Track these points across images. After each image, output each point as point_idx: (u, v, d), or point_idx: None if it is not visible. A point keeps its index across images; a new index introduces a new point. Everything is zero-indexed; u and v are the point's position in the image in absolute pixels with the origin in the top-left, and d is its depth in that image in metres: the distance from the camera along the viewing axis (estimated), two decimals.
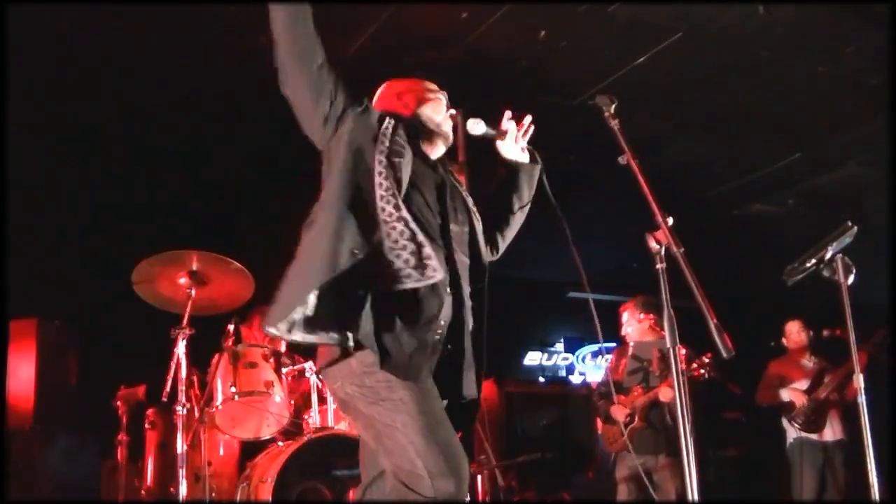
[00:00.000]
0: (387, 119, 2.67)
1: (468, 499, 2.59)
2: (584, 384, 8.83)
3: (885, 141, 6.39)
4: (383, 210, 2.45)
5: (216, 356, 4.73)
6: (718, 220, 8.31)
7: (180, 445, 4.27)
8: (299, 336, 2.39)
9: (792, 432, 6.43)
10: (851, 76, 5.91)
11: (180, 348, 4.31)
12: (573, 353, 10.34)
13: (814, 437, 6.33)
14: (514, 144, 2.75)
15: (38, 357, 5.63)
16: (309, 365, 4.72)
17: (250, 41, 5.32)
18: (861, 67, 5.78)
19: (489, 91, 6.11)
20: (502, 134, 2.77)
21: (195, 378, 4.62)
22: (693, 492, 2.26)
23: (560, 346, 10.33)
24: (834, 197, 7.84)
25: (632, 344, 5.59)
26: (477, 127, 2.78)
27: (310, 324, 2.38)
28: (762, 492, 8.07)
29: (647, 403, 5.24)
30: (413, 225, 2.44)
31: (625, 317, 5.64)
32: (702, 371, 5.01)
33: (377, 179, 2.49)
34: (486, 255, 2.77)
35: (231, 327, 4.71)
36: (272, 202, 6.35)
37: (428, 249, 2.43)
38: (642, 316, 5.50)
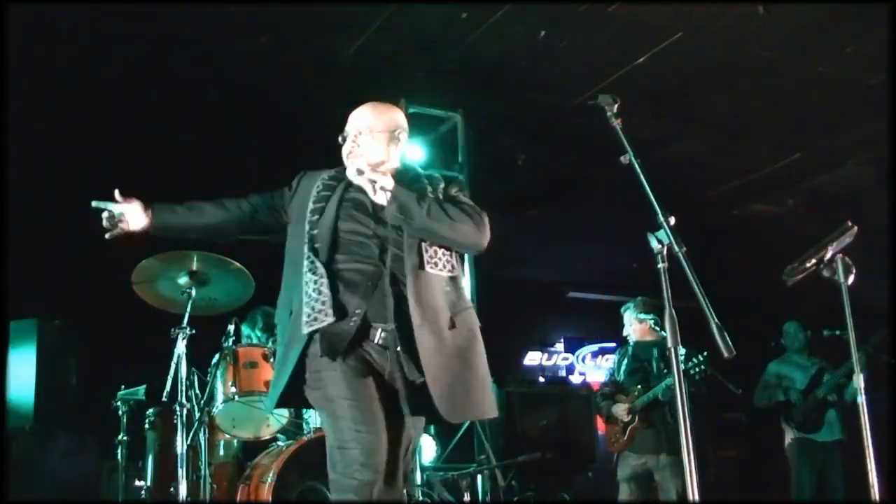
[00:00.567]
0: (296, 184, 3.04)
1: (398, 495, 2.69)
2: (584, 384, 8.83)
3: (885, 141, 6.39)
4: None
5: (216, 356, 4.72)
6: (718, 220, 8.31)
7: (180, 445, 4.27)
8: None
9: (790, 432, 6.43)
10: (851, 76, 5.91)
11: (180, 348, 4.31)
12: (573, 353, 10.35)
13: (812, 437, 6.33)
14: (370, 190, 2.84)
15: (38, 357, 5.63)
16: None
17: (252, 41, 5.35)
18: (861, 67, 5.79)
19: (489, 91, 6.14)
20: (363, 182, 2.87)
21: (195, 378, 4.61)
22: (693, 491, 2.27)
23: (560, 346, 10.34)
24: (834, 197, 7.84)
25: (631, 344, 5.59)
26: (352, 174, 2.90)
27: None
28: (762, 492, 8.07)
29: (647, 403, 5.25)
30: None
31: (626, 317, 5.64)
32: (697, 370, 5.02)
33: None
34: (414, 259, 2.82)
35: (231, 327, 4.71)
36: None
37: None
38: (643, 316, 5.51)
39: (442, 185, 2.98)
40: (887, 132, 6.21)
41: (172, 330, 4.33)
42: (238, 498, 4.56)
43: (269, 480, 4.31)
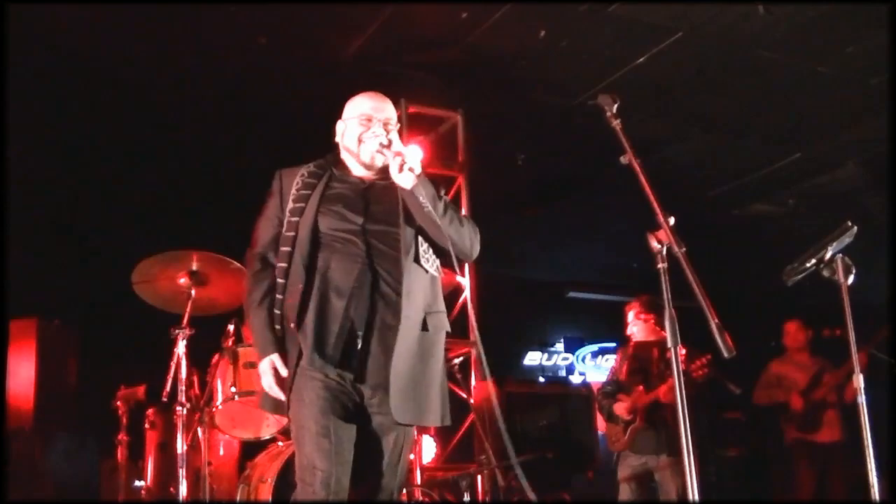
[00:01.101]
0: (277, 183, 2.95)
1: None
2: (584, 384, 8.83)
3: (885, 141, 6.39)
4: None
5: (216, 356, 4.72)
6: (718, 220, 8.31)
7: (180, 445, 4.27)
8: None
9: (790, 432, 6.43)
10: (851, 76, 5.91)
11: (180, 348, 4.31)
12: (573, 353, 10.35)
13: (812, 437, 6.33)
14: (394, 170, 2.74)
15: (38, 357, 5.63)
16: None
17: (251, 41, 5.34)
18: (861, 67, 5.79)
19: (489, 91, 6.14)
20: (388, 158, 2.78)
21: (195, 378, 4.61)
22: (693, 491, 2.27)
23: (560, 346, 10.35)
24: (834, 197, 7.84)
25: (633, 343, 5.59)
26: (373, 146, 2.82)
27: None
28: (762, 492, 8.07)
29: (648, 404, 5.25)
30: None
31: (630, 316, 5.64)
32: (701, 372, 5.01)
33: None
34: (408, 251, 2.79)
35: (231, 327, 4.71)
36: None
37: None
38: (645, 316, 5.50)
39: (442, 190, 2.97)
40: (887, 132, 6.21)
41: (172, 330, 4.33)
42: (238, 498, 4.56)
43: (269, 480, 4.31)
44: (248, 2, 4.95)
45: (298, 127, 6.13)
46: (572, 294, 10.39)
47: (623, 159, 2.52)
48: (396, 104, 3.29)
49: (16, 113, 4.89)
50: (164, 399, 4.39)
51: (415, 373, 2.73)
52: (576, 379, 9.75)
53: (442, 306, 2.90)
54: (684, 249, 2.36)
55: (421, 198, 2.69)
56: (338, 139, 2.99)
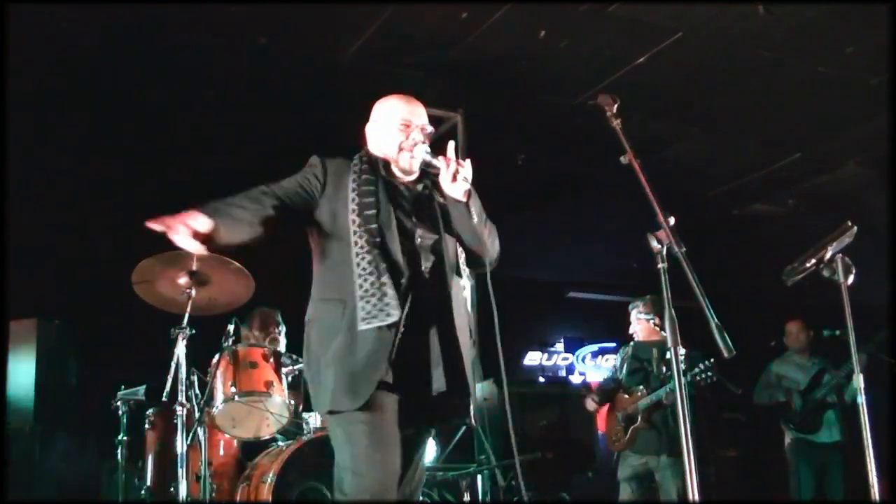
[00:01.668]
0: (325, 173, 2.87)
1: None
2: (584, 384, 8.83)
3: (885, 141, 6.39)
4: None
5: (216, 356, 4.72)
6: (718, 220, 8.31)
7: (180, 445, 4.27)
8: None
9: (789, 433, 6.43)
10: (851, 76, 5.91)
11: (180, 348, 4.31)
12: (573, 353, 10.33)
13: (811, 438, 6.33)
14: (447, 179, 2.74)
15: (38, 357, 5.63)
16: None
17: (252, 41, 5.35)
18: (861, 67, 5.79)
19: (489, 91, 6.14)
20: (437, 169, 2.77)
21: (195, 378, 4.61)
22: (693, 491, 2.27)
23: (560, 346, 10.33)
24: (834, 197, 7.84)
25: (632, 343, 5.60)
26: (422, 155, 2.83)
27: None
28: (762, 492, 8.06)
29: (649, 404, 5.26)
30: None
31: (633, 316, 5.65)
32: (704, 376, 5.02)
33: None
34: (452, 261, 2.83)
35: (231, 327, 4.70)
36: None
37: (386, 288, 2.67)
38: (646, 316, 5.51)
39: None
40: (887, 132, 6.21)
41: (172, 330, 4.33)
42: (238, 498, 4.56)
43: (269, 480, 4.31)
44: (248, 2, 4.95)
45: (298, 127, 6.14)
46: (572, 294, 10.38)
47: (623, 159, 2.52)
48: None
49: (16, 113, 4.89)
50: (164, 399, 4.39)
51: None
52: (576, 379, 9.74)
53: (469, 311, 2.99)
54: (684, 249, 2.36)
55: (473, 210, 2.70)
56: (371, 144, 2.96)
